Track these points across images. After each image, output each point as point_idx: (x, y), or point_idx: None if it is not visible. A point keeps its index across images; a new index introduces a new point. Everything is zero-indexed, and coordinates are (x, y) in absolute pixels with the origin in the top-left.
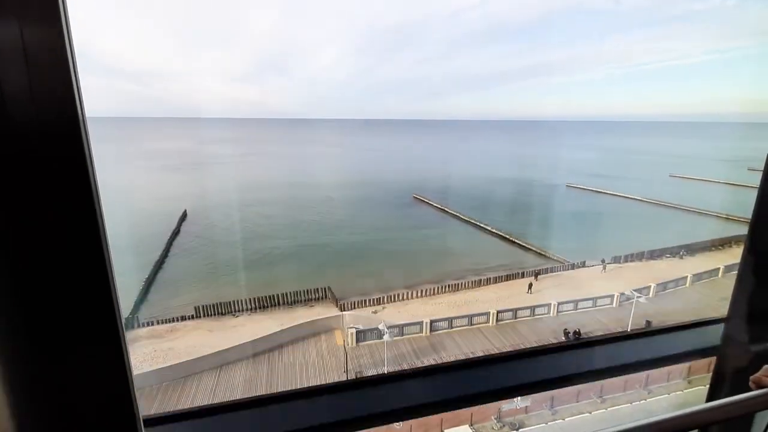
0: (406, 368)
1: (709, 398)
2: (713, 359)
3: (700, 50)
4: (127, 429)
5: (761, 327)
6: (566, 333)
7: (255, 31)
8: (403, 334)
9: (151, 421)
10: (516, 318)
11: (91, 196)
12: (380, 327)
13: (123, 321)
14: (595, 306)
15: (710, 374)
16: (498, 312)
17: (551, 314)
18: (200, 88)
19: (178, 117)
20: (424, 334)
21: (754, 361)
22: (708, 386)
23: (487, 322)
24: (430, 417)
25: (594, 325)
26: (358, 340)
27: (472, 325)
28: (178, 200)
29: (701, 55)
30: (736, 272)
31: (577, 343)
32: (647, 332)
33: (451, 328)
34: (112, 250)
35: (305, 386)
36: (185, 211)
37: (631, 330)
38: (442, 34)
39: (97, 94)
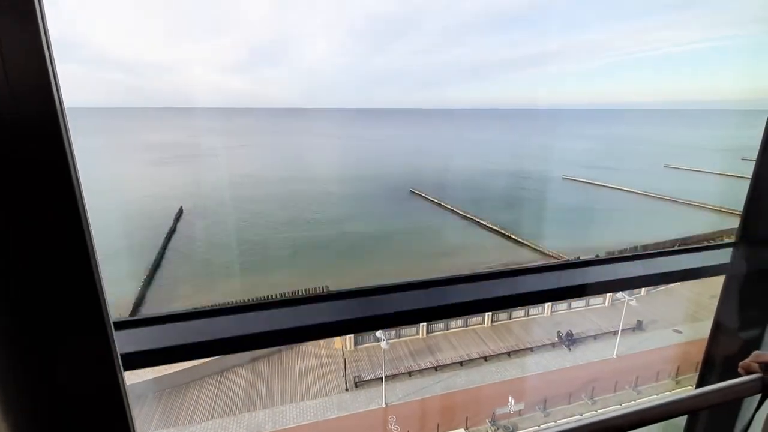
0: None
1: (699, 385)
2: (703, 347)
3: (697, 37)
4: (119, 429)
5: (751, 314)
6: (559, 334)
7: (248, 20)
8: (400, 336)
9: (121, 324)
10: (511, 319)
11: (73, 190)
12: (377, 333)
13: (112, 321)
14: (588, 306)
15: (699, 367)
16: (493, 313)
17: (545, 314)
18: (192, 78)
19: (170, 108)
20: (420, 336)
21: (743, 347)
22: (697, 375)
23: (483, 323)
24: (426, 419)
25: (587, 325)
26: (356, 344)
27: (467, 326)
28: (174, 197)
29: (698, 42)
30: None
31: (570, 263)
32: (654, 253)
33: (447, 329)
34: (106, 249)
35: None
36: (181, 207)
37: (633, 251)
38: (439, 23)
39: (85, 84)
